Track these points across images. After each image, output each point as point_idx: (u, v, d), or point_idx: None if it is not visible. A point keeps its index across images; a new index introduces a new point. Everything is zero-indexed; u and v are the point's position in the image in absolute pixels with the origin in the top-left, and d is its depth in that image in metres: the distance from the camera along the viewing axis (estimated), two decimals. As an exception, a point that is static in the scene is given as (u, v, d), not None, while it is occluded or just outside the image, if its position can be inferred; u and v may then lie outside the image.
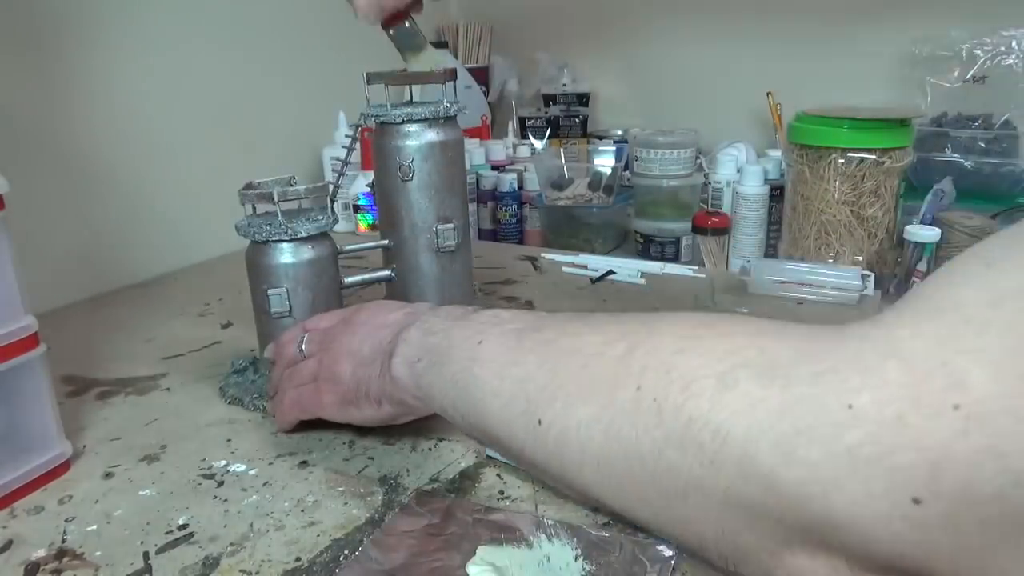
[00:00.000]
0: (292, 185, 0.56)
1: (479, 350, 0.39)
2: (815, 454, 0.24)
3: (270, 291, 0.55)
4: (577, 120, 1.31)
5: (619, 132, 1.27)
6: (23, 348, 0.44)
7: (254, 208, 0.57)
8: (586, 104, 1.31)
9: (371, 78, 0.60)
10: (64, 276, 0.80)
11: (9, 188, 0.42)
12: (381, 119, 0.60)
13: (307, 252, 0.55)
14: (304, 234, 0.54)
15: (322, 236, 0.56)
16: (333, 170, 1.01)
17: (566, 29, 1.37)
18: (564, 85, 1.32)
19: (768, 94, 1.08)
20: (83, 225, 0.82)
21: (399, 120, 0.60)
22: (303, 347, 0.51)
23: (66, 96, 0.79)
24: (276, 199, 0.54)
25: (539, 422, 0.35)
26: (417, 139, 0.59)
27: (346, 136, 0.77)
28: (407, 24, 0.57)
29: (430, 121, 0.59)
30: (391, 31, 0.58)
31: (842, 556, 0.25)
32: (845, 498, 0.24)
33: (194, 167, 0.92)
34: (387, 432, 0.50)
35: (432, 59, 0.58)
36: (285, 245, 0.55)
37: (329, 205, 0.58)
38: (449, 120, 0.60)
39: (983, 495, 0.21)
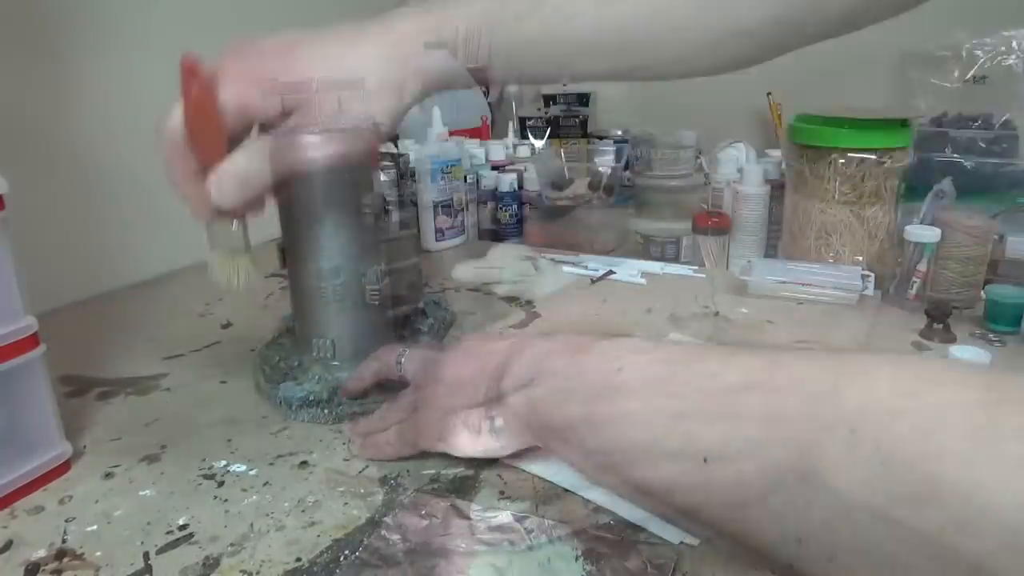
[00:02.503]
0: None
1: (618, 378, 0.35)
2: None
3: None
4: (577, 120, 1.31)
5: (619, 132, 1.27)
6: (23, 348, 0.44)
7: None
8: (586, 104, 1.31)
9: None
10: (64, 276, 0.79)
11: (9, 188, 0.42)
12: None
13: None
14: None
15: None
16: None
17: (566, 29, 1.36)
18: (564, 85, 1.32)
19: (768, 94, 1.08)
20: (83, 225, 0.81)
21: None
22: (402, 360, 0.49)
23: (66, 96, 0.79)
24: None
25: (704, 460, 0.31)
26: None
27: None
28: (234, 222, 0.49)
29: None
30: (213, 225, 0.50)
31: None
32: None
33: (194, 167, 0.92)
34: (387, 432, 0.50)
35: (242, 268, 0.50)
36: None
37: None
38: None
39: None
